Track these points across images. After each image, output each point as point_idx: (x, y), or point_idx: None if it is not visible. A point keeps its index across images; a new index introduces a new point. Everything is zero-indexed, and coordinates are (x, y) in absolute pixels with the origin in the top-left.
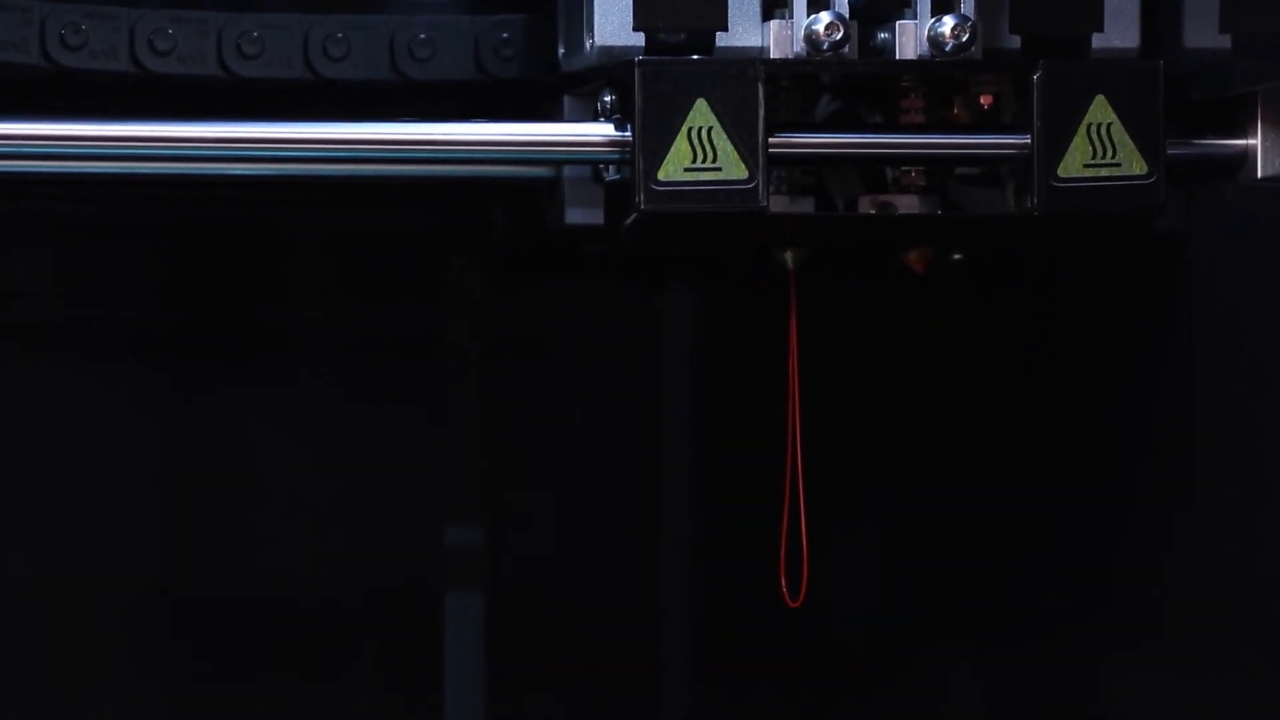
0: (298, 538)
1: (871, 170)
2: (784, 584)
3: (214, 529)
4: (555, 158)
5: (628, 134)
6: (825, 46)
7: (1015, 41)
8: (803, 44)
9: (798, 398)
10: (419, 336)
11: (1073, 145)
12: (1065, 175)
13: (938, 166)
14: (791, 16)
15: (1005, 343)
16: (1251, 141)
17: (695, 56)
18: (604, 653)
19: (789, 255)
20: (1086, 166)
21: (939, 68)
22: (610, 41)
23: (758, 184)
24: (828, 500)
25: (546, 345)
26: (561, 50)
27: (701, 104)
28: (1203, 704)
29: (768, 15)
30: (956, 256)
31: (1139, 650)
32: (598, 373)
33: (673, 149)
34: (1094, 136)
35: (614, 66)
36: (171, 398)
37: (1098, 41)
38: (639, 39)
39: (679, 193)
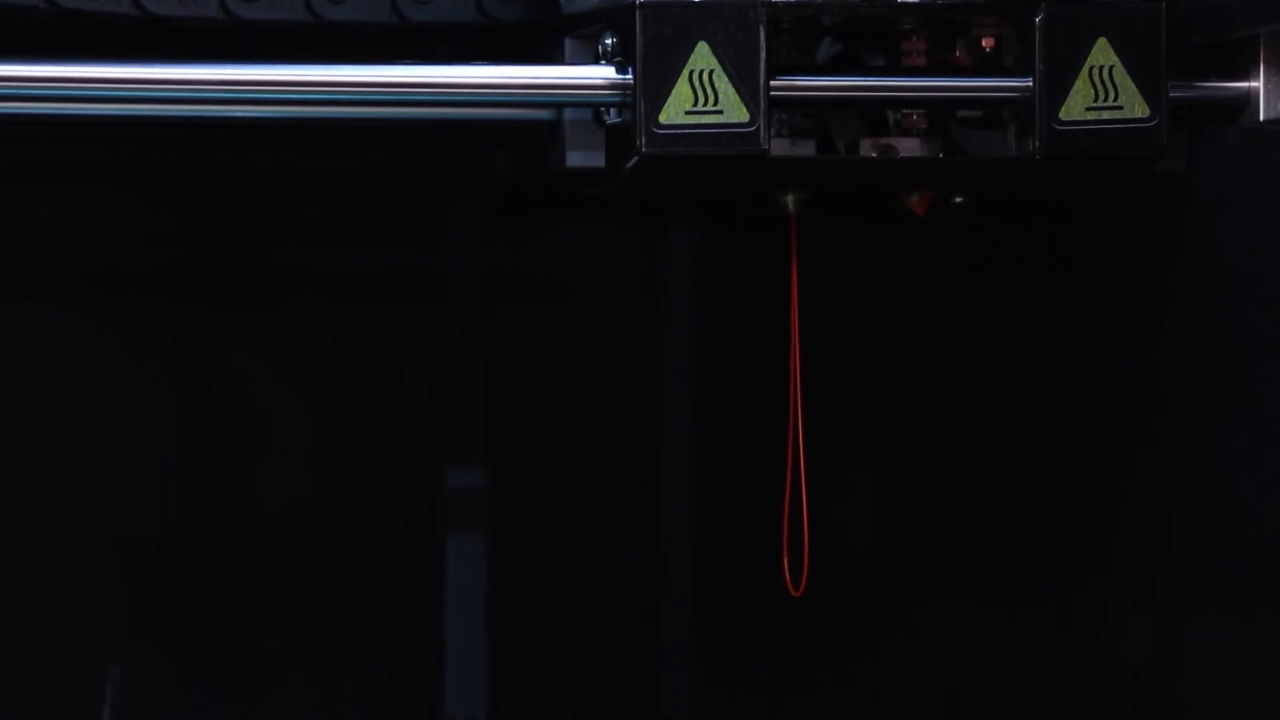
0: (297, 479)
1: (873, 113)
2: (787, 572)
3: (213, 471)
4: (556, 100)
5: (629, 77)
6: None
7: None
8: None
9: (798, 344)
10: (419, 279)
11: (1075, 88)
12: (1067, 118)
13: (939, 109)
14: None
15: (1007, 286)
16: (1254, 84)
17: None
18: (606, 592)
19: (790, 198)
20: (1088, 109)
21: (940, 10)
22: None
23: (759, 127)
24: (828, 449)
25: (547, 288)
26: None
27: (703, 47)
28: (1204, 646)
29: None
30: (958, 199)
31: (1142, 597)
32: (599, 315)
33: (674, 92)
34: (1096, 79)
35: (615, 9)
36: (170, 339)
37: None
38: None
39: (680, 136)
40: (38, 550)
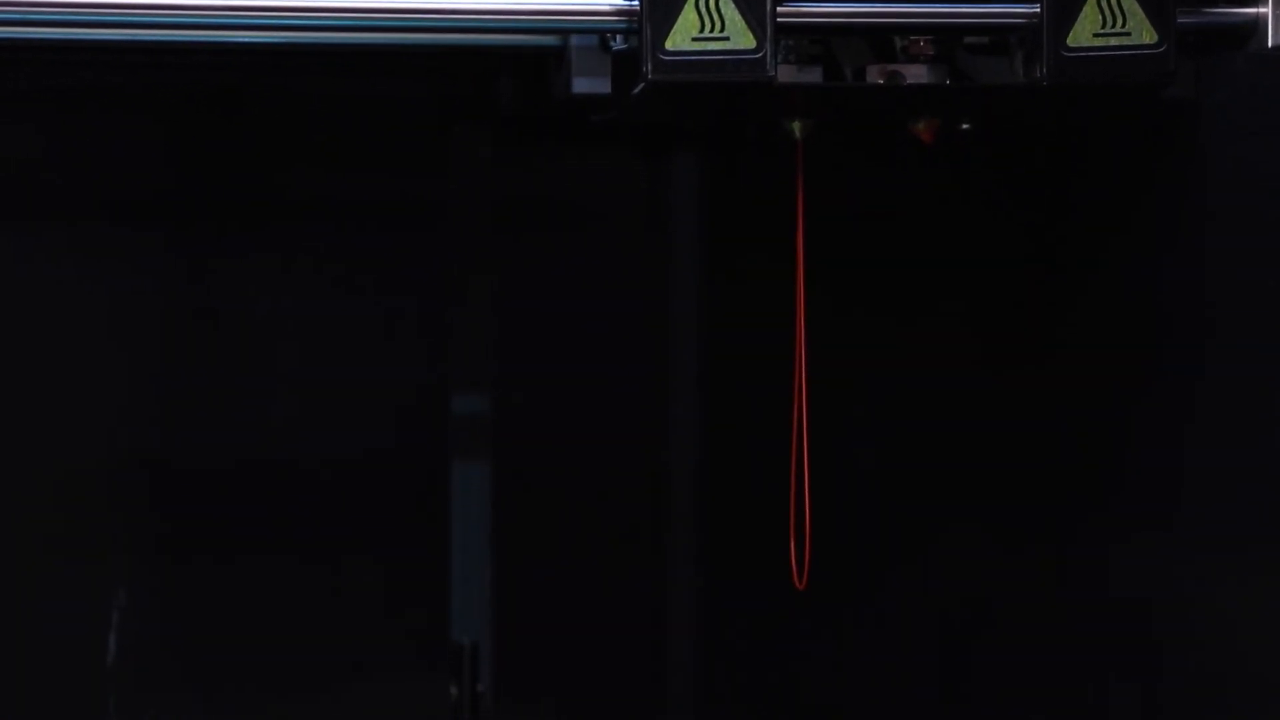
0: (302, 406)
1: (879, 39)
2: (793, 563)
3: (218, 397)
4: (562, 26)
5: (635, 3)
6: None
7: None
8: None
9: (803, 272)
10: (425, 205)
11: (1082, 14)
12: (1075, 44)
13: (946, 35)
14: None
15: (1014, 214)
16: (1262, 10)
17: None
18: (612, 519)
19: (796, 125)
20: (1096, 35)
21: None
22: None
23: (765, 54)
24: (833, 378)
25: (553, 214)
26: None
27: None
28: (1213, 575)
29: None
30: (964, 126)
31: (1151, 525)
32: (604, 242)
33: (680, 18)
34: (1104, 5)
35: None
36: (173, 264)
37: None
38: None
39: (686, 62)
40: (44, 476)
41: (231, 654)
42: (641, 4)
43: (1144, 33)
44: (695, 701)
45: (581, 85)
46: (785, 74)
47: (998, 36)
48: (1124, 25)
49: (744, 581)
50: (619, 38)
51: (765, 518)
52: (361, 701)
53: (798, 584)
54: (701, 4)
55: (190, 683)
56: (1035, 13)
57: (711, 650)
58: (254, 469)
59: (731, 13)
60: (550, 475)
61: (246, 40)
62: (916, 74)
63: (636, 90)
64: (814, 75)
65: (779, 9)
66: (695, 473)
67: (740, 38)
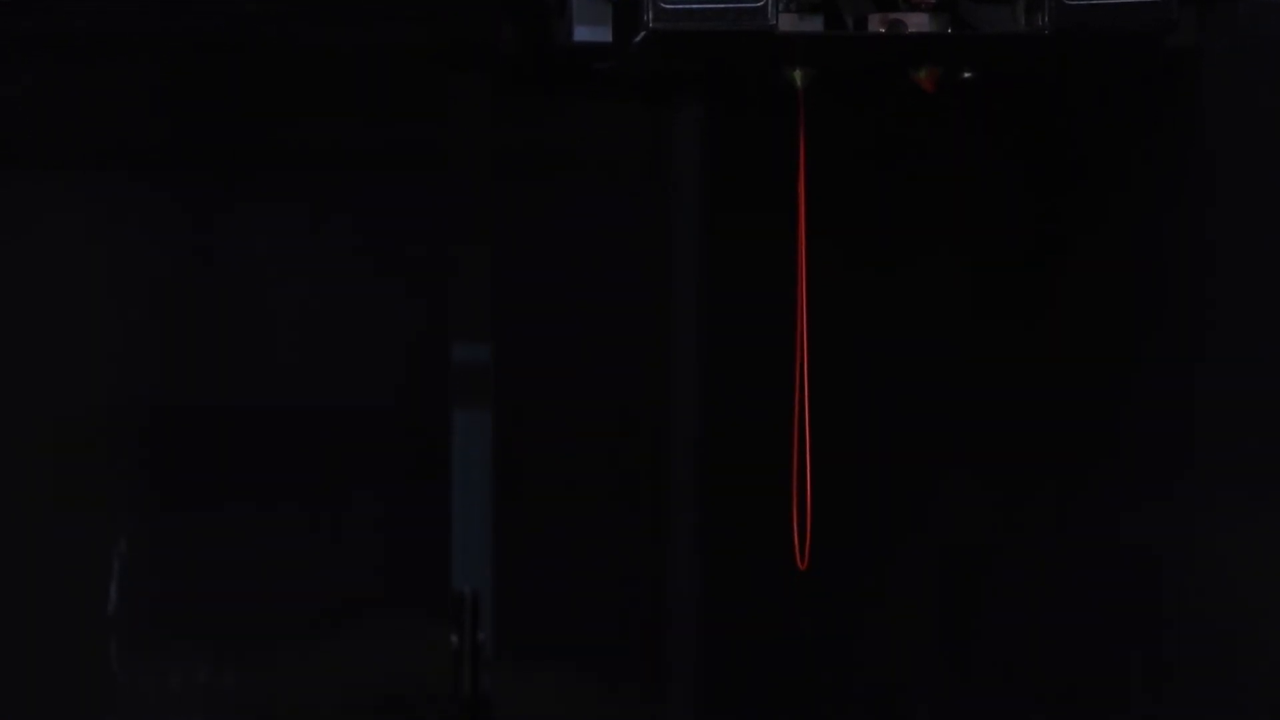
0: (303, 354)
1: None
2: (795, 544)
3: (219, 345)
4: None
5: None
6: None
7: None
8: None
9: (804, 222)
10: (425, 153)
11: None
12: None
13: None
14: None
15: (1016, 164)
16: None
17: None
18: (613, 467)
19: (798, 74)
20: None
21: None
22: None
23: (766, 2)
24: (835, 328)
25: (553, 163)
26: None
27: None
28: (1221, 524)
29: None
30: (966, 75)
31: (1156, 475)
32: (605, 192)
33: None
34: None
35: None
36: (173, 212)
37: None
38: None
39: (688, 11)
40: (44, 425)
41: (232, 602)
42: None
43: None
44: (697, 647)
45: (583, 34)
46: (786, 23)
47: None
48: None
49: (746, 529)
50: None
51: (766, 459)
52: (362, 650)
53: (800, 564)
54: None
55: (191, 630)
56: None
57: (713, 596)
58: (254, 417)
59: None
60: (551, 424)
61: None
62: (918, 23)
63: (638, 39)
64: (815, 24)
65: None
66: (697, 421)
67: None
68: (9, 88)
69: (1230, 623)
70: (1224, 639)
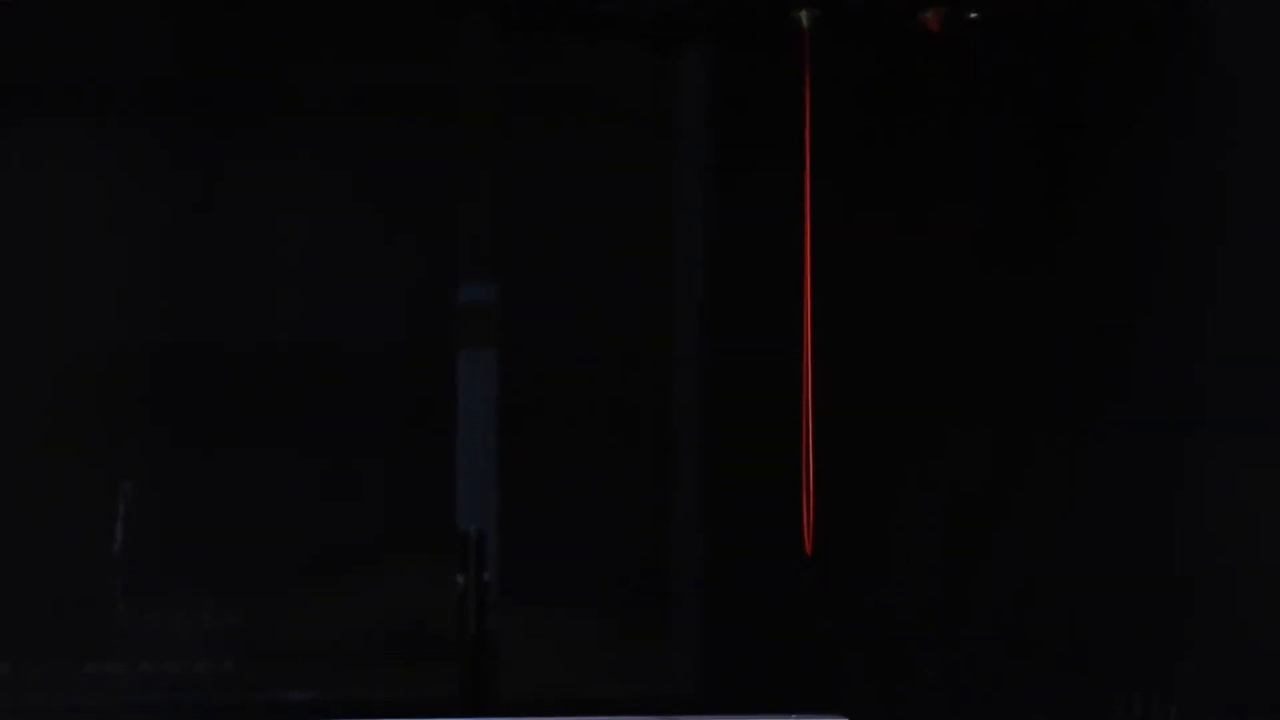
0: (308, 295)
1: None
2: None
3: (224, 290)
4: None
5: None
6: None
7: None
8: None
9: (810, 163)
10: (431, 96)
11: None
12: None
13: None
14: None
15: (1021, 105)
16: None
17: None
18: (616, 407)
19: (803, 14)
20: None
21: None
22: None
23: None
24: (840, 274)
25: (559, 105)
26: None
27: None
28: (1225, 469)
29: None
30: (973, 15)
31: (1164, 423)
32: (610, 133)
33: None
34: None
35: None
36: (179, 155)
37: None
38: None
39: None
40: (52, 368)
41: (237, 542)
42: None
43: None
44: (700, 587)
45: None
46: None
47: None
48: None
49: (750, 472)
50: None
51: (770, 401)
52: (368, 589)
53: (807, 548)
54: None
55: (197, 571)
56: None
57: (716, 537)
58: (261, 360)
59: None
60: (556, 366)
61: None
62: None
63: None
64: None
65: None
66: (700, 363)
67: None
68: (11, 33)
69: (1240, 578)
70: (1234, 594)
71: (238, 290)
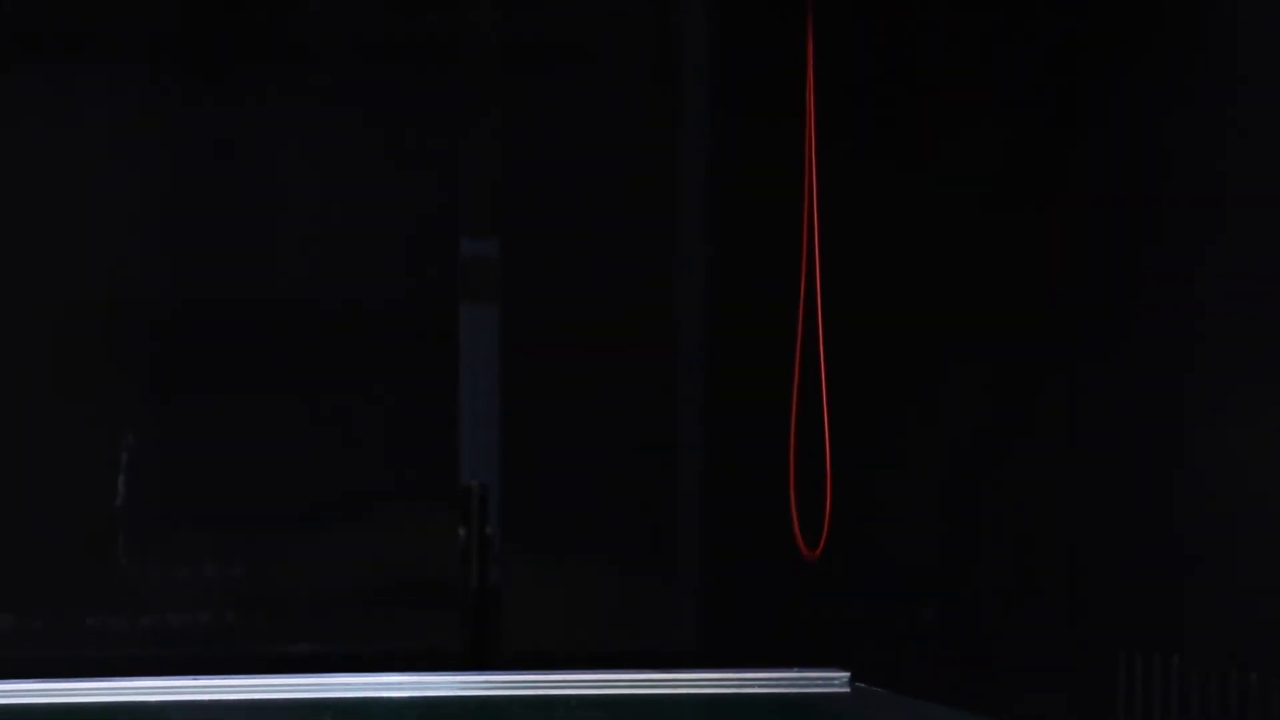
0: (311, 246)
1: None
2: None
3: (227, 239)
4: None
5: None
6: None
7: None
8: None
9: (814, 110)
10: (434, 46)
11: None
12: None
13: None
14: None
15: (1024, 50)
16: None
17: None
18: (619, 360)
19: None
20: None
21: None
22: None
23: None
24: (841, 220)
25: (561, 57)
26: None
27: None
28: (1231, 408)
29: None
30: None
31: (1165, 361)
32: (613, 85)
33: None
34: None
35: None
36: (183, 102)
37: None
38: None
39: None
40: (54, 318)
41: (240, 494)
42: None
43: None
44: (702, 539)
45: None
46: None
47: None
48: None
49: (751, 423)
50: None
51: (773, 353)
52: (370, 542)
53: (807, 553)
54: None
55: (200, 521)
56: None
57: (718, 489)
58: (263, 310)
59: None
60: (558, 318)
61: None
62: None
63: None
64: None
65: None
66: (703, 315)
67: None
68: None
69: (1239, 516)
70: (1233, 532)
71: (241, 243)
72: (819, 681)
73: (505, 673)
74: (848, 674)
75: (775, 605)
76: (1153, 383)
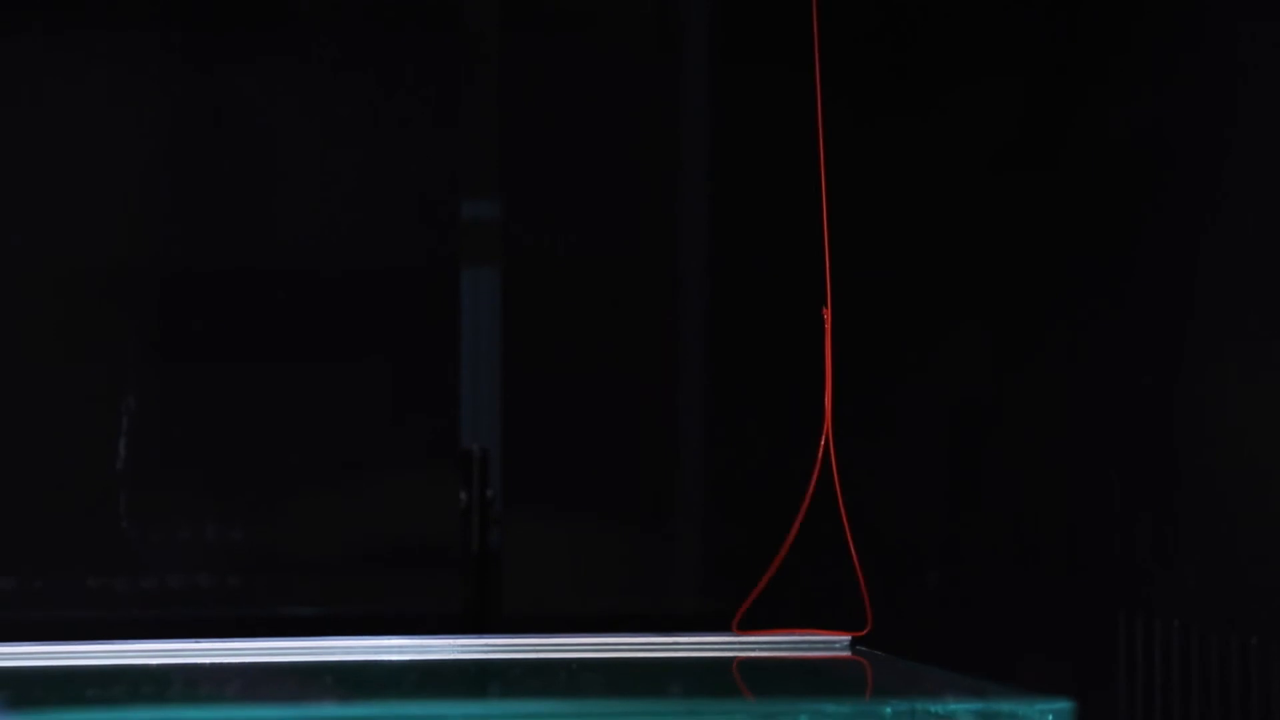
0: (311, 210)
1: None
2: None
3: (228, 202)
4: None
5: None
6: None
7: None
8: None
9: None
10: (434, 5)
11: None
12: None
13: None
14: None
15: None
16: None
17: None
18: (620, 324)
19: None
20: None
21: None
22: None
23: None
24: (844, 178)
25: (563, 14)
26: None
27: None
28: (1228, 372)
29: None
30: None
31: (1164, 323)
32: (615, 42)
33: None
34: None
35: None
36: (181, 68)
37: None
38: None
39: None
40: (54, 281)
41: (241, 456)
42: None
43: None
44: (704, 506)
45: None
46: None
47: None
48: None
49: (754, 388)
50: None
51: (775, 310)
52: (370, 506)
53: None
54: None
55: (200, 485)
56: None
57: (719, 451)
58: (264, 273)
59: None
60: (559, 280)
61: None
62: None
63: None
64: None
65: None
66: (707, 275)
67: None
68: None
69: (1241, 480)
70: (1234, 496)
71: (239, 204)
72: (820, 645)
73: (505, 636)
74: (848, 638)
75: (778, 569)
76: (1152, 347)
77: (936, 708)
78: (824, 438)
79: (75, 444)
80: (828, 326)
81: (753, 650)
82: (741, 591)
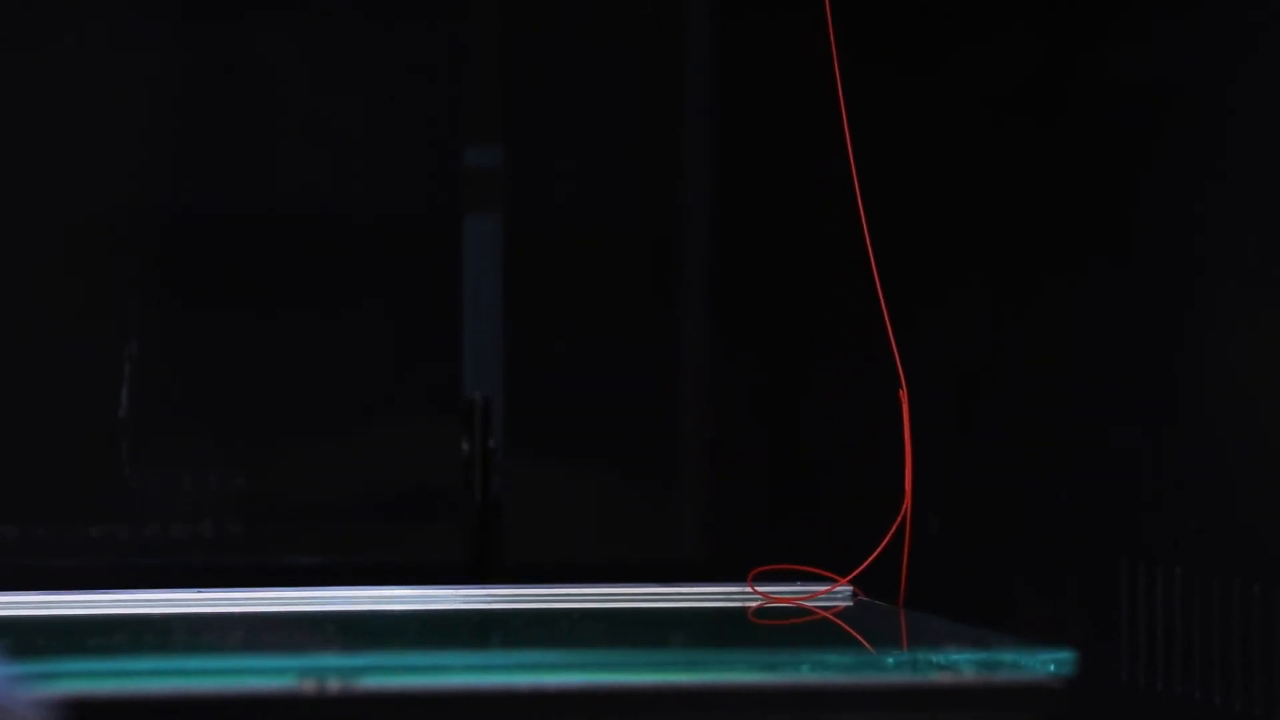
0: (314, 158)
1: None
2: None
3: (230, 150)
4: None
5: None
6: None
7: None
8: None
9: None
10: None
11: None
12: None
13: None
14: None
15: None
16: None
17: None
18: (622, 274)
19: None
20: None
21: None
22: None
23: None
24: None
25: None
26: None
27: None
28: (1230, 325)
29: None
30: None
31: (1166, 278)
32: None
33: None
34: None
35: None
36: (185, 18)
37: None
38: None
39: None
40: (56, 228)
41: (244, 405)
42: None
43: None
44: (710, 454)
45: None
46: None
47: None
48: None
49: (757, 336)
50: None
51: (778, 267)
52: (373, 455)
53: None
54: None
55: (203, 432)
56: None
57: (722, 396)
58: (266, 221)
59: None
60: (562, 230)
61: None
62: None
63: None
64: None
65: None
66: (709, 226)
67: None
68: None
69: (1243, 426)
70: (1236, 442)
71: (242, 151)
72: (822, 595)
73: (507, 586)
74: (851, 587)
75: (781, 512)
76: (1155, 296)
77: (938, 658)
78: (904, 508)
79: (77, 391)
80: (905, 408)
81: (755, 600)
82: (746, 541)
